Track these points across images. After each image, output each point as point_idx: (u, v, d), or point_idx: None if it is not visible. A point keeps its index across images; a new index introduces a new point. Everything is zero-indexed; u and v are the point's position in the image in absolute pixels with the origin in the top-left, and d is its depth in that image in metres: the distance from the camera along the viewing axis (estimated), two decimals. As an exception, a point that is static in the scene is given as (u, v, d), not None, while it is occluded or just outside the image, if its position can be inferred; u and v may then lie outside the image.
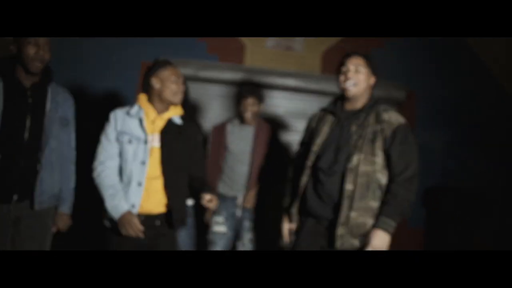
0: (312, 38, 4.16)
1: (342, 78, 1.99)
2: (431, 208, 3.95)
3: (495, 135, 4.08)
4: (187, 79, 3.77)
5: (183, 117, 2.09)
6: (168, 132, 1.99)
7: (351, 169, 1.88)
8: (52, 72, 2.05)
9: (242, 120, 2.83)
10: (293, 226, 2.10)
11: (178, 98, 2.02)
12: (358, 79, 1.95)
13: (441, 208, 3.90)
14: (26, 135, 1.91)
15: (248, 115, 2.78)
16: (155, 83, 2.01)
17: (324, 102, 3.24)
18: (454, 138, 4.13)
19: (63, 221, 2.11)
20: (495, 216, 3.82)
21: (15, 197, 1.91)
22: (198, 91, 3.93)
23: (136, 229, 1.84)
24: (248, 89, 2.88)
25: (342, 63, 2.01)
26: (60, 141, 2.07)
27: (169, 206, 1.96)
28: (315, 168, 2.00)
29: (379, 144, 1.89)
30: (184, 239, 2.77)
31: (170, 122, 2.02)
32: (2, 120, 1.87)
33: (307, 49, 4.17)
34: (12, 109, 1.89)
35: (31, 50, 1.88)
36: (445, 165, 4.07)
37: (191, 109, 3.79)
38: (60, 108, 2.06)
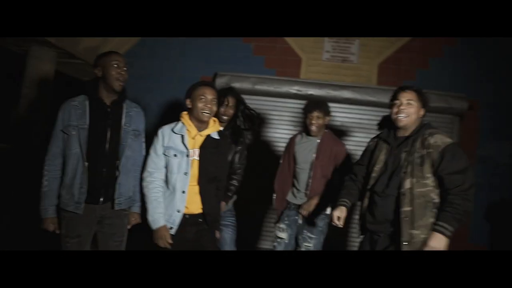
0: (368, 49, 4.17)
1: (394, 110, 2.17)
2: (496, 223, 3.75)
3: None
4: (245, 93, 3.93)
5: (220, 132, 2.33)
6: (206, 147, 2.22)
7: (405, 193, 2.05)
8: (126, 90, 2.32)
9: (308, 132, 2.91)
10: (344, 214, 2.31)
11: (206, 116, 2.22)
12: (408, 112, 2.12)
13: (506, 223, 3.69)
14: (107, 145, 2.21)
15: (313, 128, 2.85)
16: (188, 103, 2.25)
17: (380, 113, 3.23)
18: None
19: (135, 219, 2.39)
20: None
21: (101, 199, 2.20)
22: (256, 105, 4.07)
23: (166, 243, 2.14)
24: (314, 103, 2.96)
25: (395, 97, 2.19)
26: (133, 150, 2.32)
27: (202, 210, 2.22)
28: (371, 191, 2.22)
29: (427, 167, 2.04)
30: (225, 237, 2.86)
31: (208, 137, 2.25)
32: (89, 133, 2.17)
33: (363, 61, 4.17)
34: (97, 124, 2.19)
35: (114, 72, 2.18)
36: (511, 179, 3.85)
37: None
38: (133, 121, 2.33)
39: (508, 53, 3.99)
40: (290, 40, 4.25)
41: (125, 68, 2.23)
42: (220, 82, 4.11)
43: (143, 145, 2.42)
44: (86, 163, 2.16)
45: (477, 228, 3.21)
